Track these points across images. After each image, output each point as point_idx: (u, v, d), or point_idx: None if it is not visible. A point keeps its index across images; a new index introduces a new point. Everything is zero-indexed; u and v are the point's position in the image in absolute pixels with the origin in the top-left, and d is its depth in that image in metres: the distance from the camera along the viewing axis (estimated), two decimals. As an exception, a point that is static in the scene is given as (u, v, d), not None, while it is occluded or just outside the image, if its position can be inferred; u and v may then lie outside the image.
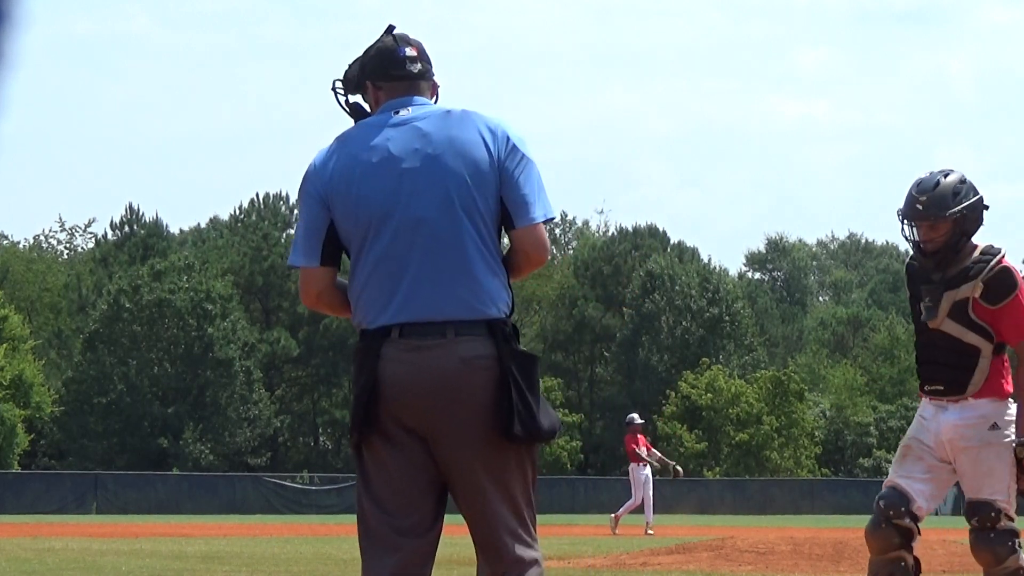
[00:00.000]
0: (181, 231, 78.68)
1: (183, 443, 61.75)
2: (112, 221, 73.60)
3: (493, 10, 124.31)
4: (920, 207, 7.29)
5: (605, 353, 73.43)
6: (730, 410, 64.58)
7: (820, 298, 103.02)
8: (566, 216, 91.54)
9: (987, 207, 7.40)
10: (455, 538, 10.12)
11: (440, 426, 4.98)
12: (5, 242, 79.19)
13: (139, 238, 71.68)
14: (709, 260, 79.69)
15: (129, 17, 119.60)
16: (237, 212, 75.00)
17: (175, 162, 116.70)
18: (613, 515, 30.18)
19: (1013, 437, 7.30)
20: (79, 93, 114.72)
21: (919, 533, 7.47)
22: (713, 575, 15.33)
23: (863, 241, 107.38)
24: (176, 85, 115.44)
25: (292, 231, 72.73)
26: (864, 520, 7.81)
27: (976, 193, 7.36)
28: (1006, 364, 7.40)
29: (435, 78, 5.25)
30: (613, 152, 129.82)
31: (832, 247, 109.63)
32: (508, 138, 5.05)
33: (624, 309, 72.02)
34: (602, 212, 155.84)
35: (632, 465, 29.79)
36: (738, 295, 74.68)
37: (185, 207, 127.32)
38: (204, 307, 63.33)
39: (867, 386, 72.56)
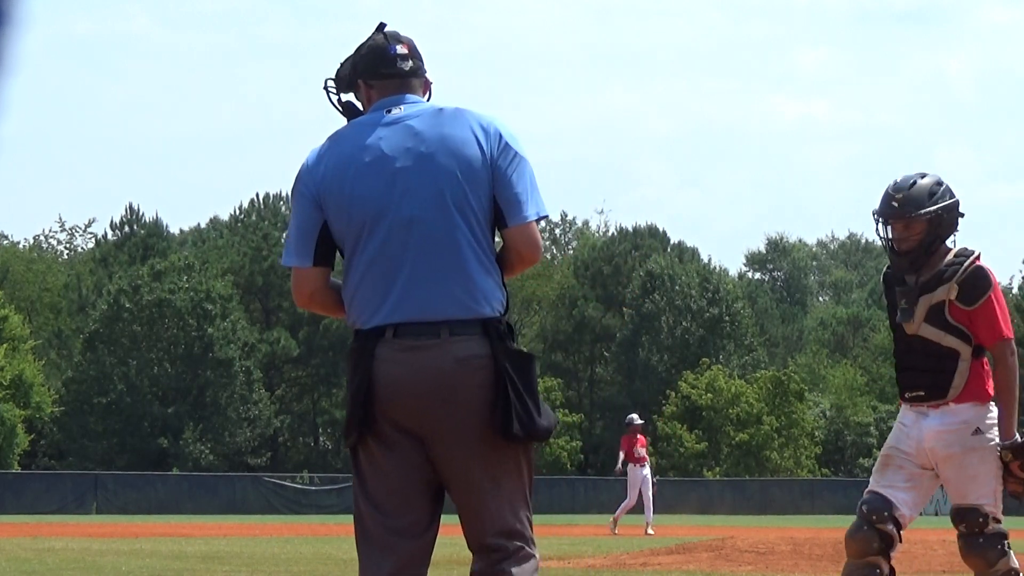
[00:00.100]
0: (181, 231, 78.74)
1: (183, 443, 61.75)
2: (112, 221, 73.68)
3: (493, 10, 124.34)
4: (896, 204, 7.27)
5: (605, 353, 73.42)
6: (730, 410, 64.57)
7: (820, 298, 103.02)
8: (566, 216, 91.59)
9: (963, 214, 7.35)
10: (454, 538, 10.11)
11: (436, 426, 4.96)
12: (5, 242, 79.19)
13: (139, 238, 71.68)
14: (709, 260, 79.77)
15: (129, 17, 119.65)
16: (237, 212, 75.03)
17: (175, 162, 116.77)
18: (612, 516, 30.18)
19: (996, 441, 7.24)
20: (79, 93, 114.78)
21: (900, 541, 7.40)
22: (713, 575, 15.33)
23: (863, 241, 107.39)
24: (176, 85, 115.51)
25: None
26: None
27: (952, 196, 7.34)
28: (986, 367, 7.34)
29: (427, 75, 5.22)
30: (613, 152, 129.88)
31: (832, 247, 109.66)
32: (500, 136, 5.02)
33: (624, 309, 72.01)
34: (602, 212, 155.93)
35: (629, 465, 29.78)
36: (738, 295, 74.67)
37: (185, 207, 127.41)
38: (204, 307, 63.33)
39: (867, 386, 72.57)
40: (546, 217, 5.14)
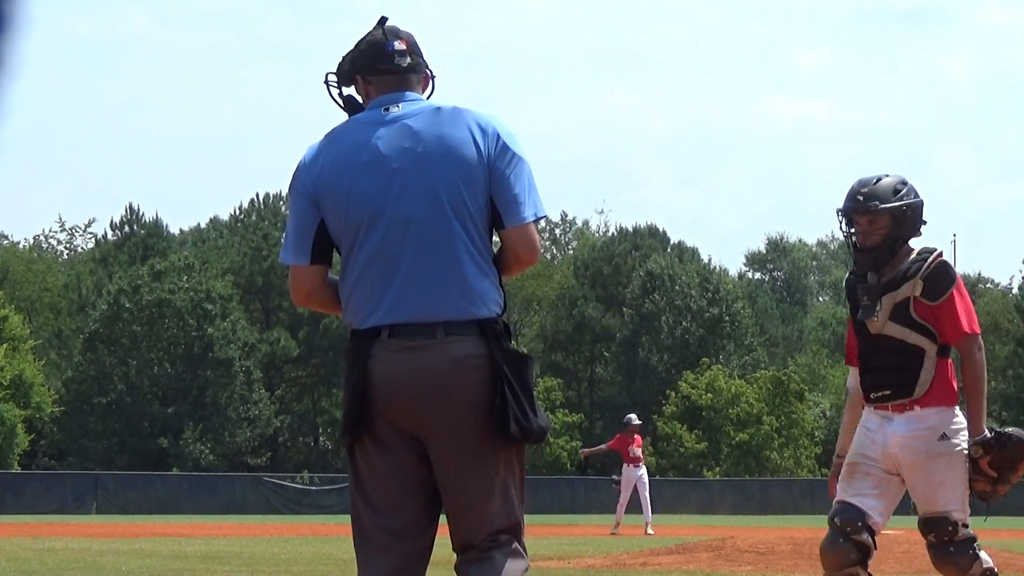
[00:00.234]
0: (181, 231, 78.75)
1: (183, 443, 61.75)
2: (112, 221, 73.72)
3: (493, 10, 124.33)
4: (861, 198, 7.25)
5: (605, 353, 73.42)
6: (730, 410, 64.58)
7: (820, 298, 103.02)
8: (566, 216, 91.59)
9: (925, 222, 7.33)
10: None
11: (432, 426, 4.94)
12: (5, 242, 79.20)
13: (139, 238, 71.69)
14: (709, 260, 79.78)
15: (129, 17, 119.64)
16: (237, 212, 75.06)
17: (175, 162, 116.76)
18: (615, 520, 30.18)
19: (963, 446, 7.19)
20: (79, 93, 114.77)
21: (875, 548, 7.34)
22: (713, 575, 15.33)
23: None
24: (176, 85, 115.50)
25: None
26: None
27: (917, 197, 7.33)
28: (951, 367, 7.29)
29: (428, 70, 5.18)
30: (613, 152, 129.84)
31: (832, 247, 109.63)
32: (499, 136, 4.99)
33: (624, 309, 72.02)
34: (602, 212, 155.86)
35: (624, 465, 29.81)
36: (738, 295, 74.68)
37: (185, 207, 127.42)
38: (204, 307, 63.34)
39: (867, 386, 72.52)
40: (544, 218, 5.11)
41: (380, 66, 5.11)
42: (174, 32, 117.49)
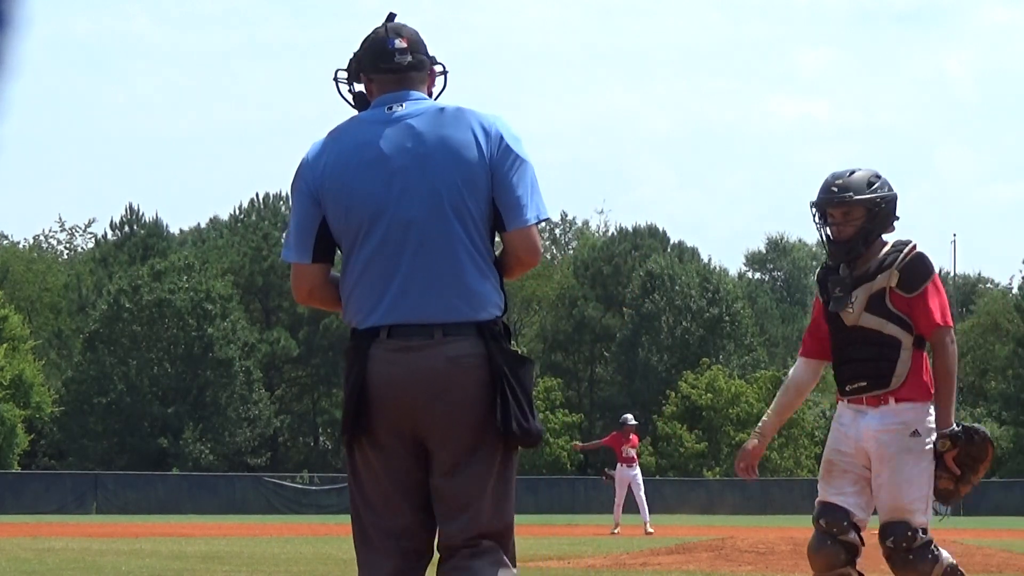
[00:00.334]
0: (181, 231, 78.74)
1: (183, 443, 61.76)
2: (112, 221, 73.71)
3: (493, 10, 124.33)
4: (835, 189, 7.24)
5: (605, 353, 73.43)
6: (730, 410, 64.59)
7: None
8: (566, 216, 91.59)
9: (898, 217, 7.30)
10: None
11: (430, 425, 4.93)
12: (5, 242, 79.21)
13: (139, 238, 71.70)
14: (709, 260, 79.77)
15: (129, 17, 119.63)
16: (237, 212, 75.07)
17: (175, 162, 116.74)
18: (614, 521, 30.19)
19: (933, 446, 7.16)
20: (79, 93, 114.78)
21: (863, 544, 7.32)
22: (713, 575, 15.33)
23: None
24: (176, 85, 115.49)
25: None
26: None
27: (892, 190, 7.31)
28: (926, 360, 7.25)
29: (436, 66, 5.15)
30: (613, 152, 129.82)
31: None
32: (502, 138, 4.96)
33: (624, 309, 72.03)
34: (602, 212, 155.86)
35: (617, 464, 29.84)
36: (738, 295, 74.69)
37: (185, 207, 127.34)
38: (204, 307, 63.35)
39: (867, 386, 72.54)
40: (547, 220, 5.09)
41: (380, 64, 5.09)
42: (174, 32, 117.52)
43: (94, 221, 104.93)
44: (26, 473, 52.98)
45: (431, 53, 5.18)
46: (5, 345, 54.68)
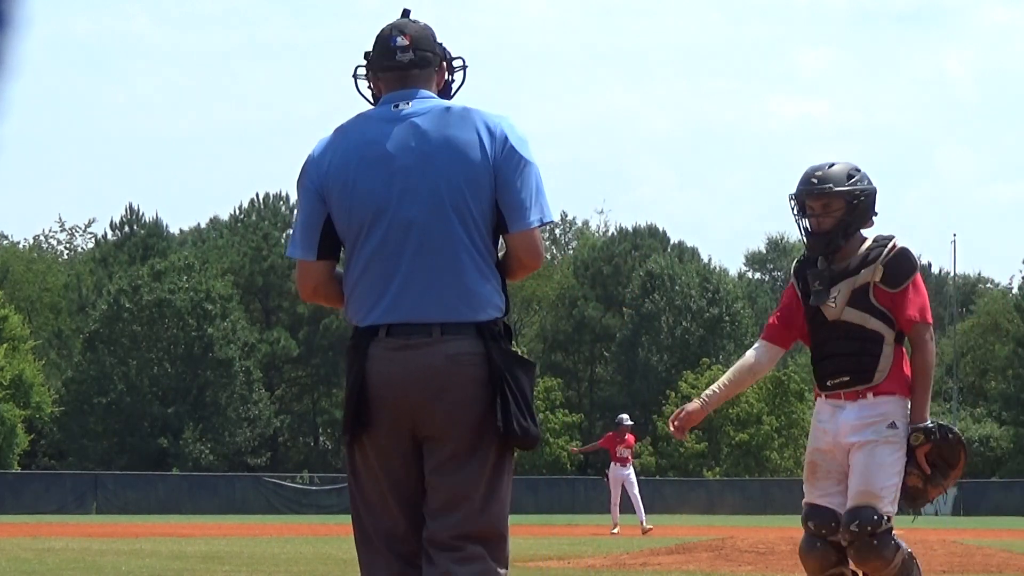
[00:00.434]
0: (181, 231, 78.71)
1: (183, 443, 61.77)
2: (112, 221, 73.72)
3: (493, 10, 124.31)
4: (815, 180, 7.21)
5: (605, 353, 73.45)
6: (730, 410, 64.58)
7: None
8: (566, 216, 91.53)
9: (876, 212, 7.29)
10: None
11: (428, 422, 4.91)
12: (5, 242, 79.18)
13: (139, 238, 71.72)
14: (709, 260, 79.75)
15: (129, 17, 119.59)
16: (237, 212, 75.07)
17: (175, 162, 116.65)
18: (612, 521, 30.19)
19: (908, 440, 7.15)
20: (79, 93, 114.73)
21: None
22: (713, 575, 15.33)
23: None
24: (176, 85, 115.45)
25: (292, 231, 72.62)
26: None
27: (871, 184, 7.28)
28: (906, 355, 7.24)
29: (447, 61, 5.12)
30: (613, 152, 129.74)
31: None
32: (507, 139, 4.94)
33: (624, 309, 72.04)
34: (602, 212, 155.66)
35: (611, 464, 29.86)
36: (738, 295, 74.70)
37: (185, 207, 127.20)
38: (204, 307, 63.36)
39: (867, 386, 72.51)
40: (551, 223, 5.05)
41: (384, 62, 5.09)
42: (174, 32, 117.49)
43: (94, 221, 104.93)
44: (26, 473, 52.98)
45: (447, 49, 5.16)
46: (5, 345, 54.68)
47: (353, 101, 5.23)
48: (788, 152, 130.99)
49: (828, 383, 7.26)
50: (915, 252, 7.38)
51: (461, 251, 4.92)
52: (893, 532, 7.18)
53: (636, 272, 72.50)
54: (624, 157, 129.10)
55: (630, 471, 29.77)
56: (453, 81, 5.17)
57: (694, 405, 7.39)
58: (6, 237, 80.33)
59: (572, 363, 74.91)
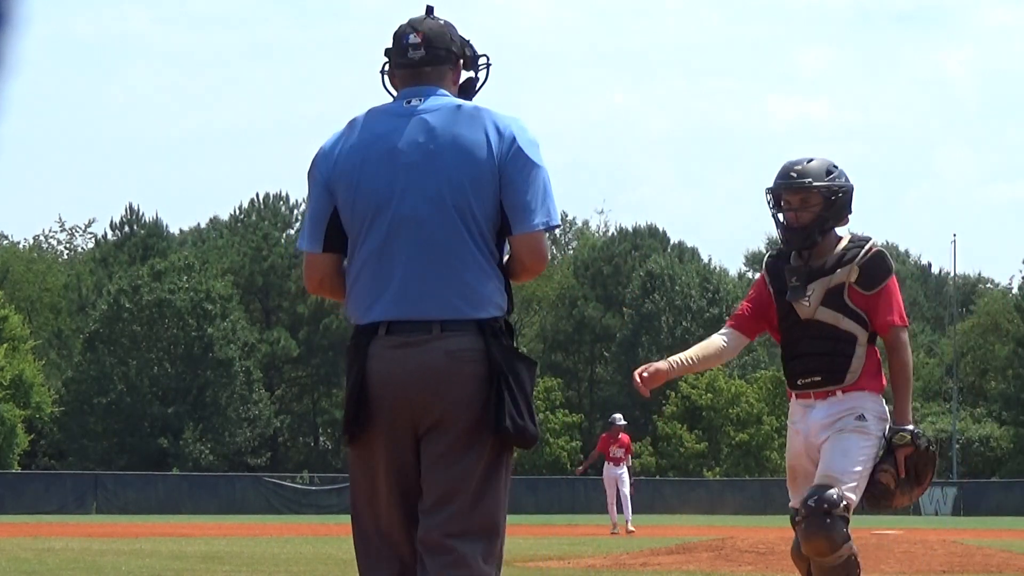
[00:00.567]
0: (181, 231, 78.72)
1: (183, 443, 61.79)
2: (112, 221, 73.78)
3: (493, 10, 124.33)
4: (795, 175, 7.19)
5: (605, 353, 73.46)
6: (730, 410, 64.61)
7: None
8: (566, 216, 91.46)
9: (851, 211, 7.26)
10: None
11: (426, 418, 4.89)
12: (5, 242, 79.19)
13: (139, 238, 71.75)
14: (709, 260, 79.78)
15: (129, 17, 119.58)
16: (237, 212, 75.11)
17: (175, 162, 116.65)
18: (611, 521, 30.22)
19: (878, 434, 7.05)
20: (79, 93, 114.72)
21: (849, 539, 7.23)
22: (713, 575, 15.34)
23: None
24: (176, 85, 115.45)
25: (292, 231, 72.88)
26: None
27: (849, 182, 7.28)
28: (878, 357, 7.20)
29: (465, 58, 5.09)
30: (613, 152, 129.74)
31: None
32: (515, 140, 4.92)
33: (624, 309, 72.06)
34: (602, 212, 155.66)
35: (605, 464, 29.92)
36: (738, 295, 74.69)
37: (185, 207, 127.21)
38: (204, 307, 63.37)
39: (867, 386, 72.54)
40: (557, 227, 4.96)
41: (397, 59, 5.09)
42: (174, 32, 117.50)
43: (94, 221, 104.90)
44: (26, 473, 53.00)
45: (473, 46, 5.14)
46: (5, 345, 54.69)
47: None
48: (788, 152, 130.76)
49: (799, 382, 7.22)
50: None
51: (462, 250, 4.91)
52: (848, 523, 7.04)
53: (636, 272, 72.52)
54: (624, 157, 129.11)
55: (623, 470, 29.78)
56: (476, 79, 5.16)
57: (663, 365, 7.31)
58: (6, 237, 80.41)
59: (572, 363, 74.93)
